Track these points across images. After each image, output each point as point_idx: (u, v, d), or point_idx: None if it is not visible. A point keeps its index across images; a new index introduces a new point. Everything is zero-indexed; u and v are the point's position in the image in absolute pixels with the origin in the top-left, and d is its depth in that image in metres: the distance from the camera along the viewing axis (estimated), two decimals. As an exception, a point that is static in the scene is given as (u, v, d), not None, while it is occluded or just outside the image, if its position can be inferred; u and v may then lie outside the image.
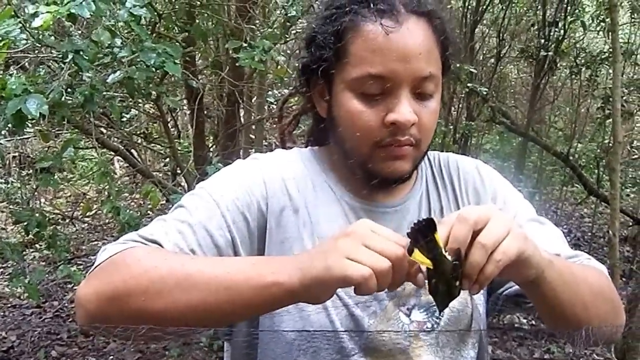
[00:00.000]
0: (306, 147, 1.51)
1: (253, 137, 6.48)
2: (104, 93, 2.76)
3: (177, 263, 1.09)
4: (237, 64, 3.34)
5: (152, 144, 6.12)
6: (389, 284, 1.01)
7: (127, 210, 3.03)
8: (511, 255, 1.01)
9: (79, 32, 3.42)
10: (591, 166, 8.30)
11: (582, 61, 7.73)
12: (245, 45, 3.14)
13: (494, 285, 1.39)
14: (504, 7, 7.39)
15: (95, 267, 1.14)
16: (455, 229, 1.01)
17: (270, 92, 4.88)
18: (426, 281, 1.03)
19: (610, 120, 8.07)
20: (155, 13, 3.25)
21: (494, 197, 1.43)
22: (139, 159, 5.27)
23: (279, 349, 1.26)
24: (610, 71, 8.10)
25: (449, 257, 1.00)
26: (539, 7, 7.42)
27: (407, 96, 1.22)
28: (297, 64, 1.42)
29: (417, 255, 1.00)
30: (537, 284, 1.13)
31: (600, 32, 7.28)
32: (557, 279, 1.15)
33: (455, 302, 1.30)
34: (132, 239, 1.18)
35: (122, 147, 4.76)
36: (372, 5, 1.23)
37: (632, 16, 7.25)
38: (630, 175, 8.68)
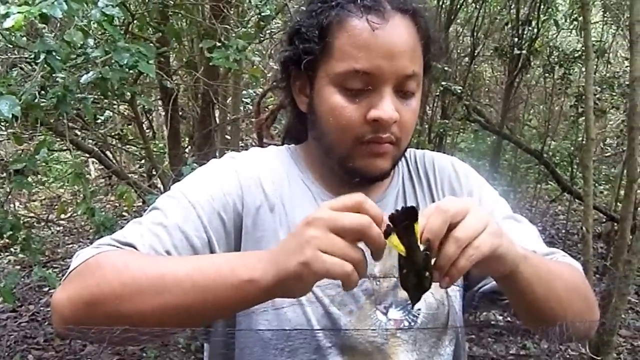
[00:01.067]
0: (282, 143, 1.51)
1: (229, 137, 6.46)
2: (77, 94, 2.72)
3: (150, 265, 1.09)
4: (211, 64, 3.32)
5: (127, 146, 6.08)
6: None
7: (102, 212, 3.01)
8: (484, 250, 1.02)
9: (51, 33, 3.39)
10: (565, 163, 8.37)
11: (555, 59, 7.79)
12: (219, 44, 3.13)
13: (470, 282, 1.40)
14: (477, 6, 7.44)
15: (70, 273, 1.13)
16: (431, 219, 1.01)
17: (245, 92, 4.86)
18: (398, 273, 1.03)
19: (583, 118, 8.17)
20: (129, 13, 3.22)
21: (469, 194, 1.43)
22: (114, 161, 5.23)
23: (256, 348, 1.25)
24: (584, 69, 8.19)
25: (422, 248, 1.00)
26: (513, 6, 7.48)
27: (390, 93, 1.22)
28: (279, 58, 1.40)
29: (393, 239, 1.00)
30: (512, 279, 1.13)
31: (573, 31, 7.34)
32: (532, 274, 1.15)
33: (432, 300, 1.32)
34: (106, 242, 1.17)
35: (97, 149, 4.72)
36: (358, 0, 1.23)
37: (605, 15, 7.33)
38: (603, 173, 8.77)
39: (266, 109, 1.68)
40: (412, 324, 1.30)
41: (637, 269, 4.99)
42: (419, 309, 1.31)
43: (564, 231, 8.27)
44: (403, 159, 1.43)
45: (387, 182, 1.40)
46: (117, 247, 1.15)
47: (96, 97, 3.47)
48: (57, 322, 1.10)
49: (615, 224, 6.94)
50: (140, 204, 4.12)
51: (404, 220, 1.00)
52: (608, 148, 10.32)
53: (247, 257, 1.08)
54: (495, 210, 1.42)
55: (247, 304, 1.09)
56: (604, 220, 7.41)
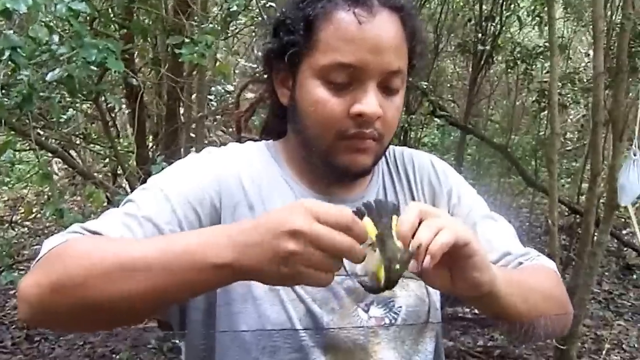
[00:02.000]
0: (260, 137, 1.48)
1: (194, 135, 6.41)
2: (42, 93, 2.67)
3: (119, 248, 1.06)
4: (180, 60, 3.28)
5: (92, 145, 5.99)
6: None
7: (70, 213, 2.95)
8: (462, 235, 1.01)
9: (11, 30, 3.32)
10: (527, 158, 8.46)
11: (518, 55, 7.87)
12: (187, 40, 3.09)
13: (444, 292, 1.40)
14: (440, 2, 7.48)
15: (37, 260, 1.10)
16: (405, 214, 1.02)
17: (213, 89, 4.82)
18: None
19: (545, 112, 8.28)
20: (95, 10, 3.16)
21: (449, 192, 1.43)
22: (79, 160, 5.15)
23: (238, 348, 1.23)
24: (546, 65, 8.30)
25: (398, 243, 0.99)
26: (476, 2, 7.53)
27: (374, 89, 1.21)
28: (262, 49, 1.38)
29: (366, 223, 0.99)
30: (489, 300, 1.12)
31: (535, 27, 7.42)
32: (509, 294, 1.15)
33: (413, 298, 1.32)
34: (75, 230, 1.13)
35: (61, 149, 4.63)
36: None
37: (566, 11, 7.42)
38: (564, 166, 8.89)
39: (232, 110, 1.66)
40: (393, 321, 1.30)
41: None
42: (400, 307, 1.30)
43: (527, 224, 8.37)
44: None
45: (367, 179, 1.39)
46: (85, 235, 1.13)
47: (59, 95, 3.41)
48: (23, 310, 1.07)
49: (579, 216, 7.06)
50: (106, 203, 4.05)
51: (386, 209, 1.00)
52: (569, 142, 10.46)
53: (220, 240, 1.02)
54: (473, 209, 1.42)
55: (219, 285, 1.09)
56: (567, 213, 7.52)
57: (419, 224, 1.01)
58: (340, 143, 1.23)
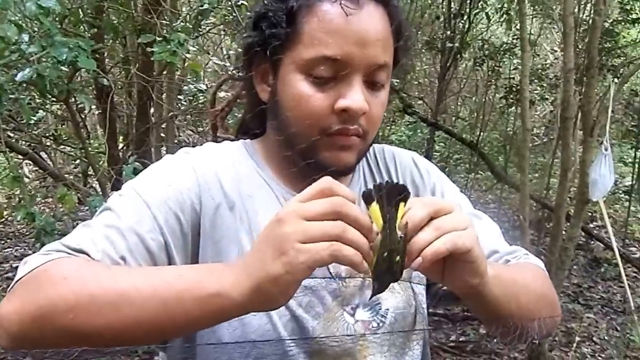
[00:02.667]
0: (237, 136, 1.44)
1: (164, 134, 6.37)
2: (11, 94, 2.60)
3: (108, 278, 0.99)
4: (151, 59, 3.23)
5: (62, 146, 5.90)
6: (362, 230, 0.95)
7: (42, 216, 2.89)
8: (462, 243, 0.98)
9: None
10: (495, 154, 8.54)
11: (486, 52, 7.94)
12: (159, 39, 3.05)
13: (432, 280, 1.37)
14: (409, 0, 7.50)
15: (16, 282, 1.03)
16: (413, 209, 0.98)
17: (185, 88, 4.79)
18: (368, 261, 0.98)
19: (513, 109, 8.37)
20: (65, 7, 3.10)
21: (432, 190, 1.40)
22: (49, 162, 5.06)
23: (220, 355, 1.19)
24: (514, 62, 8.39)
25: (399, 233, 0.97)
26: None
27: (359, 83, 1.17)
28: (242, 43, 1.33)
29: (374, 210, 0.96)
30: (480, 296, 1.10)
31: (503, 24, 7.48)
32: (500, 292, 1.12)
33: (400, 299, 1.29)
34: (55, 248, 1.07)
35: (32, 151, 4.55)
36: None
37: (534, 8, 7.49)
38: (532, 162, 8.98)
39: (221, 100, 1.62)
40: (381, 324, 1.26)
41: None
42: (387, 309, 1.27)
43: (495, 219, 8.41)
44: None
45: (349, 178, 1.35)
46: (69, 253, 1.06)
47: (29, 96, 3.34)
48: (3, 338, 1.00)
49: (547, 211, 7.14)
50: (77, 203, 3.99)
51: (394, 194, 0.96)
52: (535, 138, 10.57)
53: (216, 269, 1.01)
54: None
55: (218, 318, 1.00)
56: (535, 208, 7.59)
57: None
58: (323, 140, 1.19)
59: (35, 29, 2.78)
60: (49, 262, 1.02)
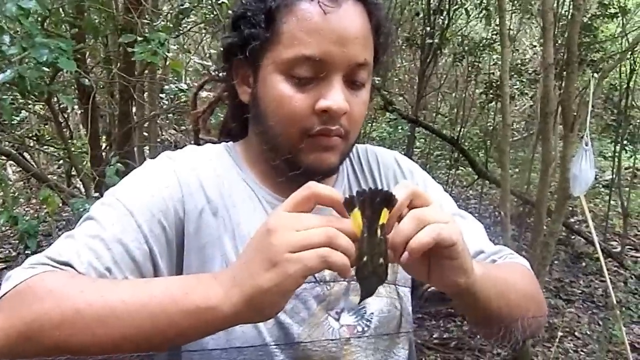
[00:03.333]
0: (219, 138, 1.43)
1: (146, 134, 6.33)
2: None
3: (94, 292, 0.98)
4: (132, 59, 3.22)
5: (45, 146, 5.85)
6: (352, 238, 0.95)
7: (26, 218, 2.86)
8: (446, 236, 0.97)
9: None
10: (475, 149, 8.58)
11: (466, 48, 7.96)
12: (140, 39, 3.03)
13: (419, 280, 1.37)
14: (388, -4, 7.50)
15: (1, 298, 1.01)
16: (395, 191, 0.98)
17: (167, 87, 4.75)
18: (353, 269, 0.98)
19: (493, 104, 8.42)
20: (47, 9, 3.07)
21: None
22: (32, 163, 5.01)
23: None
24: (494, 57, 8.43)
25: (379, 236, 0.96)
26: (423, -5, 7.59)
27: (340, 82, 1.16)
28: (221, 44, 1.31)
29: (355, 216, 0.96)
30: (468, 295, 1.09)
31: (482, 20, 7.51)
32: (489, 290, 1.12)
33: (384, 302, 1.28)
34: (39, 262, 1.05)
35: (14, 152, 4.50)
36: None
37: (512, 3, 7.52)
38: (512, 156, 9.03)
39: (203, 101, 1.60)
40: (366, 328, 1.26)
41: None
42: (372, 313, 1.27)
43: (476, 215, 8.45)
44: None
45: (333, 179, 1.34)
46: (53, 266, 1.04)
47: (11, 97, 3.31)
48: None
49: (527, 206, 7.18)
50: (60, 204, 3.95)
51: (376, 200, 0.96)
52: (515, 133, 10.63)
53: (204, 280, 0.99)
54: (441, 206, 1.35)
55: (207, 331, 0.99)
56: (515, 203, 7.64)
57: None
58: (305, 141, 1.18)
59: (17, 30, 2.75)
60: (33, 277, 1.01)
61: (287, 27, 1.15)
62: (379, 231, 0.96)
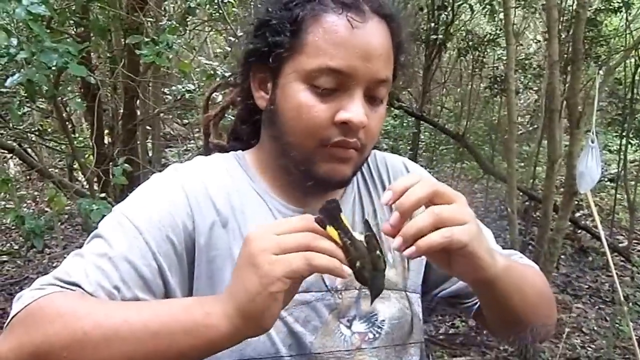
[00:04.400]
0: (228, 142, 1.44)
1: (149, 127, 6.34)
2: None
3: (101, 314, 1.00)
4: (137, 57, 3.21)
5: (47, 141, 5.85)
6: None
7: (33, 218, 2.86)
8: (462, 238, 0.98)
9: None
10: (480, 144, 8.56)
11: (470, 43, 7.95)
12: (147, 40, 3.03)
13: (429, 285, 1.39)
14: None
15: (11, 320, 1.04)
16: (417, 186, 0.99)
17: (174, 88, 4.76)
18: (353, 273, 0.99)
19: (497, 98, 8.40)
20: (53, 10, 3.07)
21: None
22: (36, 158, 5.02)
23: None
24: (498, 52, 8.41)
25: (358, 235, 0.98)
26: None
27: (360, 96, 1.17)
28: (242, 50, 1.32)
29: (331, 231, 0.97)
30: (492, 287, 1.11)
31: (486, 15, 7.48)
32: (511, 284, 1.14)
33: (395, 310, 1.29)
34: (48, 282, 1.07)
35: (18, 147, 4.50)
36: None
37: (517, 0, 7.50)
38: (517, 151, 9.01)
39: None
40: (377, 335, 1.27)
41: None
42: (383, 320, 1.28)
43: (482, 209, 8.45)
44: None
45: (342, 189, 1.34)
46: (62, 287, 1.06)
47: (18, 98, 3.31)
48: None
49: (533, 201, 7.17)
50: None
51: (331, 212, 0.98)
52: (520, 127, 10.61)
53: (206, 300, 1.02)
54: None
55: (209, 349, 1.01)
56: (520, 196, 7.63)
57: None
58: (321, 151, 1.18)
59: (23, 31, 2.75)
60: (42, 298, 1.03)
61: (312, 38, 1.16)
62: (356, 234, 0.98)
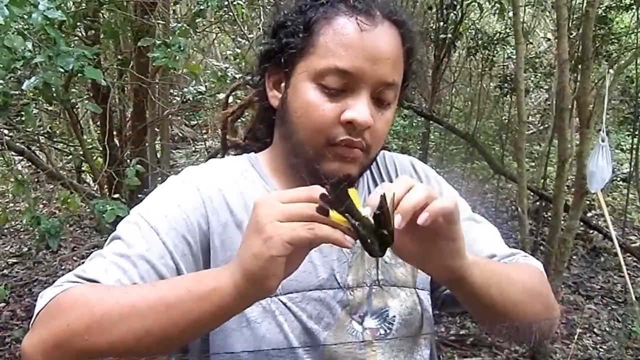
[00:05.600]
0: (244, 141, 1.47)
1: (157, 129, 6.36)
2: (20, 100, 2.60)
3: (116, 294, 1.04)
4: (146, 59, 3.23)
5: (56, 143, 5.88)
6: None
7: (49, 220, 2.89)
8: (451, 206, 1.02)
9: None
10: (490, 143, 8.55)
11: (480, 42, 7.94)
12: (159, 42, 3.05)
13: (434, 284, 1.40)
14: (401, -9, 7.48)
15: (35, 316, 1.08)
16: (414, 189, 1.02)
17: (185, 90, 4.78)
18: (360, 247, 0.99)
19: (507, 97, 8.39)
20: (67, 14, 3.09)
21: None
22: (45, 160, 5.05)
23: None
24: (508, 52, 8.39)
25: (365, 211, 0.98)
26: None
27: (367, 97, 1.20)
28: (258, 50, 1.37)
29: (335, 216, 0.97)
30: (461, 284, 1.12)
31: (495, 13, 7.47)
32: (482, 279, 1.15)
33: (405, 307, 1.31)
34: (68, 280, 1.11)
35: (27, 149, 4.53)
36: (349, 1, 1.21)
37: (527, -1, 7.50)
38: (527, 150, 8.99)
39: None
40: (388, 331, 1.29)
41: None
42: (394, 316, 1.30)
43: (493, 209, 8.44)
44: None
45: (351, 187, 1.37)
46: (80, 283, 1.10)
47: (19, 93, 3.32)
48: None
49: (544, 201, 7.15)
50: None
51: (338, 186, 0.97)
52: (530, 126, 10.59)
53: (216, 269, 1.07)
54: None
55: (219, 314, 1.02)
56: (531, 196, 7.61)
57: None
58: (327, 149, 1.22)
59: (36, 31, 2.77)
60: (61, 293, 1.07)
61: (323, 39, 1.21)
62: (364, 210, 0.98)
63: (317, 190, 0.98)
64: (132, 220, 1.20)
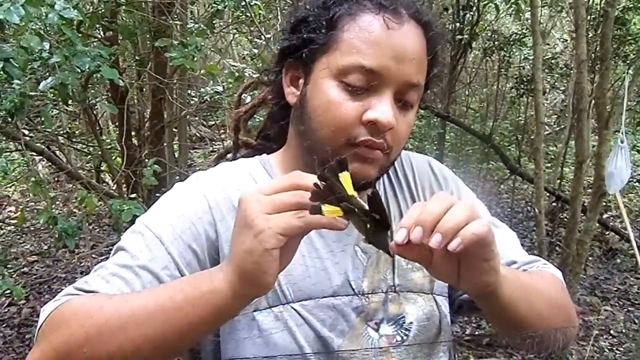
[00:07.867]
0: (256, 140, 1.44)
1: (175, 129, 6.39)
2: (38, 101, 2.62)
3: (116, 303, 1.02)
4: (164, 59, 3.25)
5: (75, 143, 5.92)
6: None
7: (65, 219, 2.90)
8: (486, 234, 0.97)
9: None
10: (506, 144, 8.51)
11: (496, 43, 7.91)
12: (176, 43, 3.06)
13: (451, 289, 1.37)
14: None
15: (38, 330, 1.06)
16: (431, 202, 0.98)
17: (202, 90, 4.80)
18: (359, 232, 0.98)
19: (523, 98, 8.36)
20: (84, 14, 3.12)
21: None
22: (64, 160, 5.08)
23: None
24: (524, 52, 8.36)
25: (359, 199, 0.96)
26: (453, -9, 7.54)
27: (390, 98, 1.16)
28: (278, 45, 1.32)
29: (328, 210, 0.94)
30: (492, 298, 1.09)
31: (512, 14, 7.44)
32: (512, 293, 1.12)
33: (422, 312, 1.28)
34: (69, 293, 1.09)
35: (47, 149, 4.56)
36: None
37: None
38: (544, 151, 8.94)
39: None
40: (405, 337, 1.26)
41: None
42: (411, 322, 1.27)
43: (509, 209, 8.40)
44: None
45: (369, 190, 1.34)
46: (81, 295, 1.08)
47: (38, 95, 3.35)
48: None
49: (561, 202, 7.12)
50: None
51: (333, 171, 0.95)
52: (547, 127, 10.54)
53: (212, 271, 1.02)
54: None
55: (216, 316, 1.00)
56: (547, 197, 7.57)
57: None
58: (347, 149, 1.16)
59: (53, 34, 2.79)
60: (61, 306, 1.05)
61: (347, 35, 1.16)
62: (355, 194, 0.96)
63: (298, 176, 0.96)
64: (136, 230, 1.18)
